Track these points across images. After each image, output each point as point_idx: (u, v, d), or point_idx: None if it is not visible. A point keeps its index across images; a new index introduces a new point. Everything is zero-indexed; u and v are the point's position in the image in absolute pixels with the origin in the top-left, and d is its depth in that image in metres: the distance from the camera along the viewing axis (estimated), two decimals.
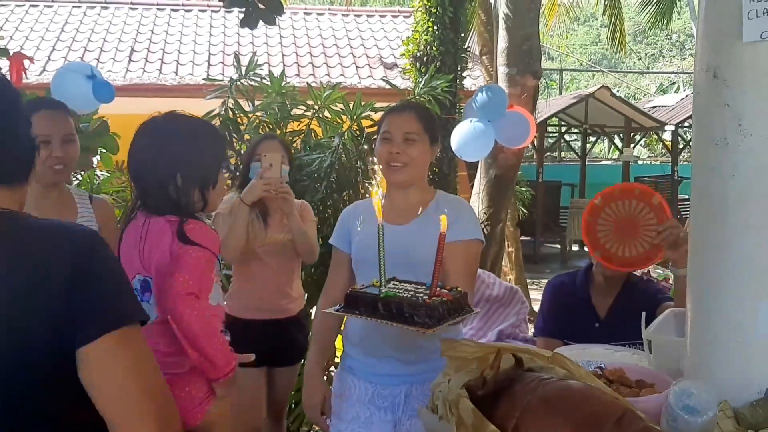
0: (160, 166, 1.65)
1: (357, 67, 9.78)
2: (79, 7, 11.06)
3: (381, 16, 11.68)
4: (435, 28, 5.13)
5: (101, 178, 4.05)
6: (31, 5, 10.91)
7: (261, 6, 3.08)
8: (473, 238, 2.09)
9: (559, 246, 11.76)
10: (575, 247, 12.19)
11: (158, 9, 11.28)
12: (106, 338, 1.08)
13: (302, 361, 3.29)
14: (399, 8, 12.68)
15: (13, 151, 1.17)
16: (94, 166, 3.93)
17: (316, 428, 4.08)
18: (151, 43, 10.26)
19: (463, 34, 5.51)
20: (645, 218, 2.21)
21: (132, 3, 11.31)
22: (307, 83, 4.27)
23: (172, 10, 11.34)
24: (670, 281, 3.22)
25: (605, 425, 1.29)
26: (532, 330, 3.12)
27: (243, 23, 3.05)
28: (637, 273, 2.67)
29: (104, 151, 3.70)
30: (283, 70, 4.42)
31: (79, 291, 1.08)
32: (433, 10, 5.15)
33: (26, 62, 3.20)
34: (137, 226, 1.68)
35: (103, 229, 2.37)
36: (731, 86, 1.37)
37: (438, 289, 1.74)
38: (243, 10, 3.13)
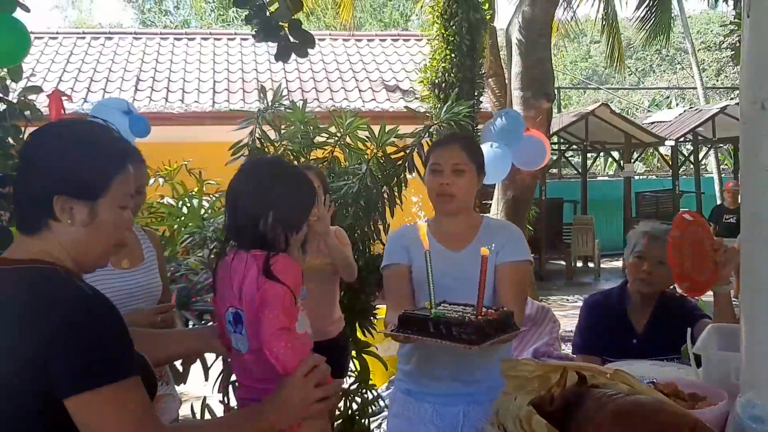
0: (256, 202, 1.74)
1: (374, 91, 9.95)
2: (83, 38, 11.22)
3: (393, 40, 11.88)
4: (453, 55, 5.27)
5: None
6: (36, 37, 11.06)
7: (292, 39, 3.18)
8: (522, 259, 2.19)
9: (563, 263, 11.86)
10: (579, 263, 12.30)
11: (161, 38, 11.45)
12: (86, 395, 1.20)
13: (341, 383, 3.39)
14: (408, 32, 12.93)
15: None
16: None
17: None
18: (157, 72, 10.42)
19: (480, 60, 5.66)
20: (707, 241, 2.30)
21: (135, 33, 11.48)
22: (329, 111, 4.37)
23: (176, 38, 11.51)
24: (695, 299, 3.30)
25: None
26: (563, 347, 3.21)
27: (278, 57, 3.16)
28: (668, 290, 2.76)
29: None
30: (305, 99, 4.51)
31: (61, 347, 1.19)
32: (451, 39, 5.29)
33: (64, 99, 3.30)
34: (227, 261, 1.77)
35: (158, 255, 2.53)
36: None
37: (486, 309, 1.84)
38: (275, 43, 3.23)
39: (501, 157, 4.11)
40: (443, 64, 5.37)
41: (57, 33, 11.41)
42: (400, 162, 3.76)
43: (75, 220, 1.32)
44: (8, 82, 3.41)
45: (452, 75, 5.30)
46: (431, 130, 3.78)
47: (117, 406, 1.24)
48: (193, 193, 4.32)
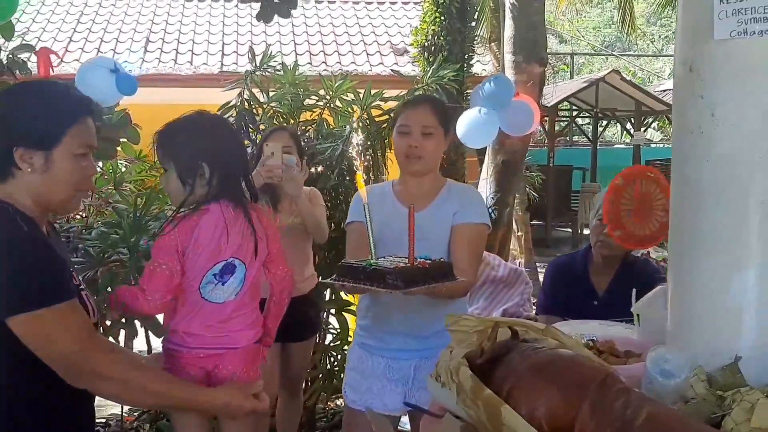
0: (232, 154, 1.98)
1: (368, 54, 9.91)
2: None
3: (391, 3, 11.77)
4: (442, 18, 5.25)
5: (123, 169, 4.22)
6: None
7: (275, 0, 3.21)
8: (480, 222, 2.24)
9: (570, 230, 11.87)
10: (586, 231, 12.29)
11: None
12: (24, 317, 1.40)
13: (316, 339, 3.48)
14: None
15: None
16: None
17: (332, 405, 4.27)
18: (166, 34, 10.44)
19: (471, 23, 5.63)
20: (657, 197, 2.33)
21: None
22: (319, 74, 4.41)
23: (186, 0, 11.48)
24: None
25: (590, 386, 1.43)
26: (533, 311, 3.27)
27: (259, 17, 3.19)
28: (636, 253, 2.80)
29: (125, 141, 3.86)
30: (296, 61, 4.54)
31: None
32: (441, 1, 5.26)
33: (53, 57, 3.36)
34: (213, 217, 1.89)
35: None
36: (705, 79, 1.49)
37: (423, 260, 1.88)
38: (258, 3, 3.26)
39: (488, 121, 4.11)
40: (433, 27, 5.35)
41: None
42: (385, 125, 3.80)
43: (34, 168, 1.51)
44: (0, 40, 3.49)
45: (441, 38, 5.28)
46: (417, 93, 3.80)
47: (59, 327, 1.42)
48: None
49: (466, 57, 5.41)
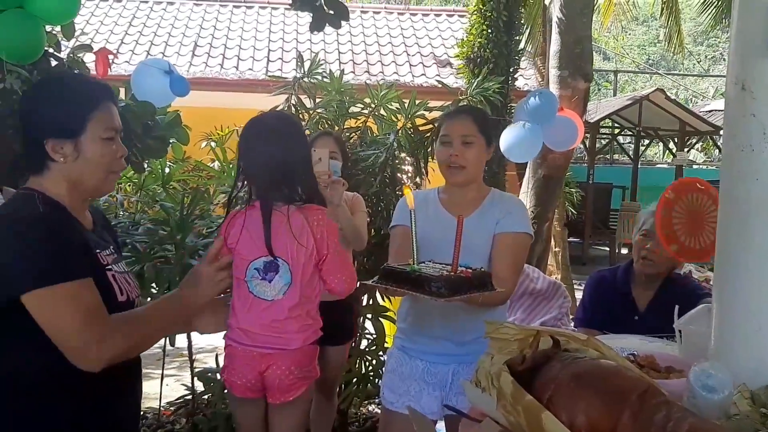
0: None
1: (411, 65, 9.99)
2: (146, 2, 11.52)
3: (436, 15, 11.86)
4: (489, 31, 5.28)
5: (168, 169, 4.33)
6: (101, 0, 11.42)
7: (328, 10, 3.27)
8: (522, 231, 2.26)
9: (608, 248, 11.75)
10: (624, 251, 12.15)
11: (221, 5, 11.67)
12: (39, 292, 1.45)
13: (352, 343, 3.53)
14: (454, 8, 12.83)
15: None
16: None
17: (364, 411, 4.30)
18: (214, 39, 10.65)
19: (517, 37, 5.65)
20: (709, 209, 2.31)
21: (196, 0, 11.73)
22: (365, 82, 4.47)
23: (234, 6, 11.72)
24: (711, 282, 3.30)
25: (630, 397, 1.45)
26: (571, 325, 3.26)
27: (312, 27, 3.26)
28: (678, 271, 2.79)
29: (175, 141, 3.97)
30: (342, 69, 4.61)
31: (16, 251, 1.47)
32: (488, 14, 5.30)
33: (110, 57, 3.48)
34: (256, 215, 1.99)
35: None
36: (758, 98, 1.51)
37: (464, 268, 1.91)
38: (311, 14, 3.33)
39: (532, 136, 4.13)
40: (479, 40, 5.39)
41: None
42: (428, 134, 3.84)
43: (66, 157, 1.58)
44: (61, 39, 3.62)
45: (487, 50, 5.31)
46: (461, 104, 3.84)
47: (69, 303, 1.48)
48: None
49: (511, 70, 5.44)
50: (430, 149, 3.79)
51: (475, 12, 5.57)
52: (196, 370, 3.77)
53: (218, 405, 3.78)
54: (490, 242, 2.24)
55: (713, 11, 10.61)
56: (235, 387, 2.08)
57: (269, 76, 6.22)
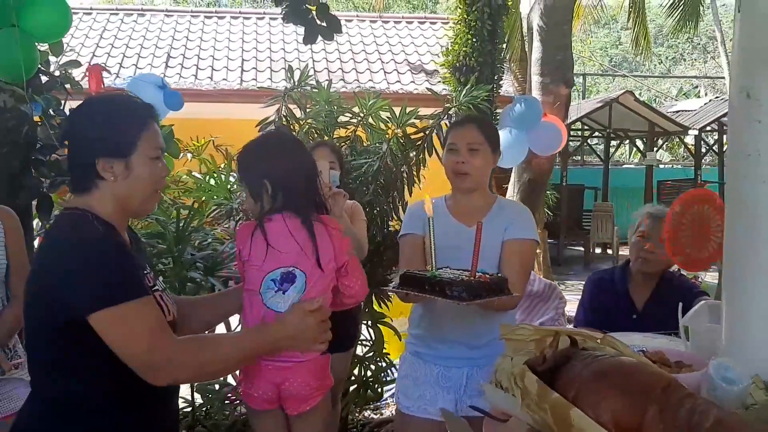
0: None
1: (399, 73, 10.09)
2: (116, 14, 11.45)
3: (420, 22, 11.98)
4: (474, 40, 5.40)
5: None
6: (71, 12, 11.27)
7: (320, 23, 3.33)
8: (529, 237, 2.34)
9: (582, 248, 11.95)
10: (598, 250, 12.38)
11: (192, 16, 11.65)
12: (104, 312, 1.48)
13: (353, 350, 3.57)
14: (436, 15, 13.07)
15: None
16: None
17: (360, 417, 4.34)
18: (187, 50, 10.60)
19: (501, 46, 5.78)
20: (714, 220, 2.40)
21: (167, 11, 11.69)
22: (354, 92, 4.52)
23: (206, 17, 11.70)
24: (699, 280, 3.43)
25: (653, 392, 1.52)
26: (568, 325, 3.36)
27: (305, 40, 3.31)
28: (672, 270, 2.90)
29: (166, 155, 3.98)
30: (330, 79, 4.66)
31: (78, 274, 1.50)
32: (473, 23, 5.41)
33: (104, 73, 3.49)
34: (276, 225, 2.00)
35: (7, 232, 2.39)
36: (764, 105, 1.60)
37: (481, 273, 1.98)
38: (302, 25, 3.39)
39: (518, 141, 4.24)
40: (464, 48, 5.50)
41: (91, 9, 11.67)
42: (419, 142, 3.90)
43: (116, 176, 1.61)
44: (49, 56, 3.62)
45: (473, 59, 5.43)
46: (450, 112, 3.91)
47: (132, 322, 1.50)
48: (222, 167, 4.49)
49: (495, 78, 5.56)
50: (422, 156, 3.86)
51: (460, 21, 5.68)
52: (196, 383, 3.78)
53: (218, 416, 3.80)
54: (499, 248, 2.31)
55: (678, 14, 10.89)
56: (251, 400, 2.10)
57: (259, 87, 6.26)
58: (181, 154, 5.72)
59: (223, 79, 9.88)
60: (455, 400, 2.31)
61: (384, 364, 3.76)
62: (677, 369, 1.92)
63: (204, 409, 3.89)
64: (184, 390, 4.12)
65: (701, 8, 11.47)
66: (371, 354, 3.78)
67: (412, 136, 3.91)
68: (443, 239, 2.24)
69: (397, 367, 4.05)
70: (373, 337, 3.76)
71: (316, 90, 4.19)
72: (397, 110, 3.93)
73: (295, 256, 2.01)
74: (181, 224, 3.56)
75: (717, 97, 15.57)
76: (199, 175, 4.85)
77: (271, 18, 11.49)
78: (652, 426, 1.46)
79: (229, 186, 4.42)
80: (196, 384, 3.77)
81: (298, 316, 1.81)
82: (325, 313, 1.88)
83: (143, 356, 1.51)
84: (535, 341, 1.92)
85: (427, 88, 6.42)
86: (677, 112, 13.53)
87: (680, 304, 2.21)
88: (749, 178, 1.64)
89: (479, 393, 2.14)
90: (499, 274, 2.00)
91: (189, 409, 3.90)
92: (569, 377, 1.70)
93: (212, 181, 4.28)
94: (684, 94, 25.30)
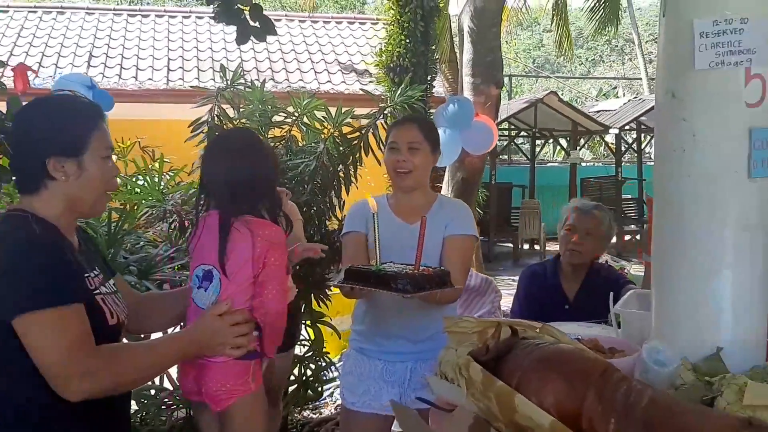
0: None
1: (329, 73, 10.08)
2: (34, 12, 11.01)
3: (349, 22, 12.00)
4: (407, 41, 5.48)
5: None
6: None
7: (253, 23, 3.30)
8: (469, 233, 2.41)
9: (511, 245, 12.25)
10: (526, 246, 12.71)
11: (115, 14, 11.33)
12: (28, 316, 1.44)
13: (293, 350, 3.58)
14: (365, 15, 13.13)
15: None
16: None
17: (299, 417, 4.34)
18: (110, 49, 10.31)
19: (433, 47, 5.88)
20: None
21: (88, 8, 11.33)
22: (287, 92, 4.51)
23: (129, 15, 11.40)
24: (625, 271, 3.58)
25: (592, 377, 1.60)
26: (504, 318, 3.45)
27: (238, 41, 3.28)
28: (600, 261, 3.03)
29: None
30: (263, 79, 4.64)
31: (7, 275, 1.47)
32: (405, 24, 5.49)
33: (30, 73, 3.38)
34: (205, 224, 1.99)
35: None
36: (687, 105, 1.70)
37: (424, 267, 2.03)
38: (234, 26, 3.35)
39: (451, 141, 4.33)
40: (398, 49, 5.59)
41: (8, 6, 11.18)
42: (355, 142, 3.93)
43: (68, 176, 1.57)
44: None
45: (406, 60, 5.52)
46: (386, 112, 3.96)
47: (50, 329, 1.46)
48: (153, 167, 4.40)
49: (429, 78, 5.65)
50: (358, 156, 3.89)
51: (393, 22, 5.75)
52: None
53: (155, 422, 3.73)
54: (440, 245, 2.37)
55: (599, 17, 11.32)
56: (184, 391, 2.08)
57: (191, 86, 6.14)
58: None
59: (149, 79, 9.66)
60: (400, 393, 2.35)
61: (324, 363, 3.78)
62: (611, 355, 2.02)
63: (140, 415, 3.81)
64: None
65: (620, 12, 11.94)
66: (311, 353, 3.78)
67: (348, 136, 3.94)
68: (385, 237, 2.27)
69: (337, 365, 4.09)
70: (313, 337, 3.77)
71: (250, 89, 4.16)
72: (332, 110, 3.95)
73: (215, 256, 1.98)
74: (112, 227, 3.48)
75: (635, 97, 16.24)
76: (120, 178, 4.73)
77: (197, 17, 11.30)
78: (592, 408, 1.53)
79: (161, 188, 4.34)
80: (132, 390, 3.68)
81: (207, 320, 1.81)
82: (238, 318, 1.87)
83: (55, 368, 1.46)
84: (477, 333, 1.99)
85: (361, 89, 6.48)
86: (598, 112, 14.04)
87: (611, 294, 2.32)
88: (675, 173, 1.75)
89: (423, 386, 2.19)
90: (442, 268, 2.05)
91: None
92: (512, 366, 1.76)
93: (140, 182, 4.20)
94: (604, 95, 26.25)
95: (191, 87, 5.13)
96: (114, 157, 5.68)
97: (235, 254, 1.95)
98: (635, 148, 14.03)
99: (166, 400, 3.71)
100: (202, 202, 2.09)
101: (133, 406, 3.73)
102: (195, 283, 1.98)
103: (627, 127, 13.09)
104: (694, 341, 1.72)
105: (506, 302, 4.08)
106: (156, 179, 4.17)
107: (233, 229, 1.97)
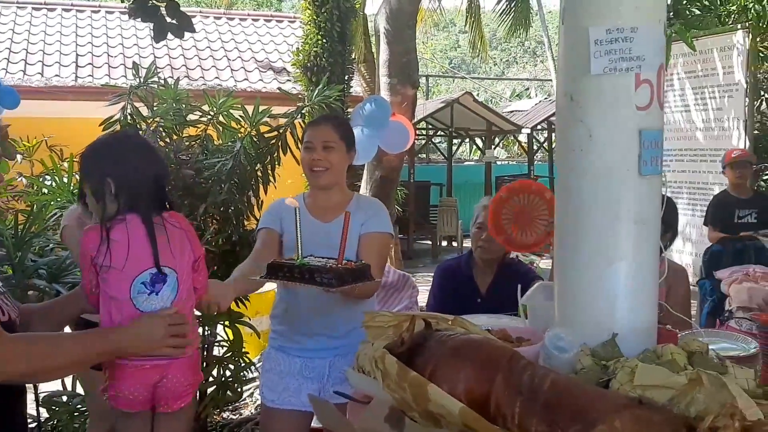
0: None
1: (246, 71, 9.94)
2: None
3: (266, 20, 11.88)
4: (324, 41, 5.50)
5: None
6: None
7: (170, 20, 3.27)
8: (384, 231, 2.47)
9: (429, 242, 12.47)
10: (444, 243, 12.97)
11: (18, 7, 10.84)
12: None
13: (206, 350, 3.55)
14: (282, 13, 13.02)
15: None
16: None
17: (218, 418, 4.31)
18: (13, 43, 9.89)
19: (350, 47, 5.92)
20: (539, 210, 2.67)
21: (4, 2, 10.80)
22: (202, 90, 4.46)
23: (34, 8, 10.94)
24: (535, 265, 3.74)
25: (500, 363, 1.70)
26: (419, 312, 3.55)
27: (155, 38, 3.24)
28: (511, 256, 3.16)
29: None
30: (176, 77, 4.57)
31: None
32: (322, 24, 5.52)
33: None
34: (129, 227, 1.95)
35: None
36: (584, 107, 1.82)
37: (346, 261, 2.07)
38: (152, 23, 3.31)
39: (368, 140, 4.40)
40: (315, 49, 5.61)
41: None
42: (273, 141, 3.94)
43: None
44: None
45: (323, 59, 5.55)
46: (303, 111, 3.99)
47: None
48: (62, 167, 4.26)
49: (346, 78, 5.69)
50: (276, 155, 3.90)
51: (310, 22, 5.76)
52: (42, 395, 3.58)
53: (67, 430, 3.63)
54: (356, 242, 2.42)
55: (510, 19, 11.66)
56: (121, 402, 2.05)
57: (103, 84, 5.95)
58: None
59: (56, 75, 9.29)
60: (319, 389, 2.40)
61: (243, 364, 3.77)
62: (518, 344, 2.13)
63: (51, 423, 3.70)
64: (28, 405, 3.88)
65: (531, 14, 12.34)
66: (230, 354, 3.76)
67: (266, 135, 3.93)
68: (306, 232, 2.31)
69: (257, 366, 4.08)
70: (232, 337, 3.75)
71: (164, 87, 4.09)
72: (249, 109, 3.94)
73: (161, 257, 1.99)
74: (19, 230, 3.37)
75: (546, 98, 16.81)
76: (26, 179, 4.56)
77: (107, 11, 10.95)
78: (500, 391, 1.63)
79: (71, 188, 4.22)
80: (41, 397, 3.57)
81: (145, 321, 1.84)
82: (180, 318, 1.91)
83: None
84: (393, 326, 2.06)
85: (278, 88, 6.46)
86: (511, 112, 14.47)
87: (519, 286, 2.44)
88: (574, 171, 1.86)
89: (342, 380, 2.24)
90: (362, 261, 2.11)
91: (34, 425, 3.69)
92: (426, 356, 1.84)
93: (49, 182, 4.07)
94: (517, 95, 27.00)
95: (102, 85, 4.97)
96: (19, 157, 5.48)
97: (179, 249, 2.00)
98: (546, 147, 14.53)
99: (79, 406, 3.62)
100: (117, 210, 2.04)
101: (43, 413, 3.62)
102: (141, 290, 1.95)
103: (539, 127, 13.56)
104: (592, 328, 1.84)
105: (424, 297, 4.19)
106: (65, 179, 4.05)
107: (166, 226, 1.98)
